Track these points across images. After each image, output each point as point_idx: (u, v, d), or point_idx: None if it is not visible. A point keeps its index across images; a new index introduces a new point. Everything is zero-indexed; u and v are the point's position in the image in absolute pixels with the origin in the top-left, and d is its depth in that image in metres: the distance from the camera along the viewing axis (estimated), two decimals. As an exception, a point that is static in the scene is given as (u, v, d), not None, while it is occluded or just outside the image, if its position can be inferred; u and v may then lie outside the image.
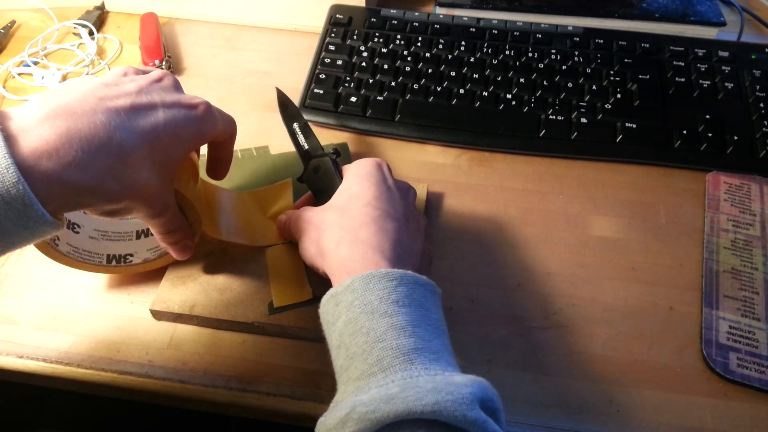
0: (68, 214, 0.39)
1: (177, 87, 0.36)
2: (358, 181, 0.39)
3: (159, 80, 0.35)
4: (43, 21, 0.65)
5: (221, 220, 0.43)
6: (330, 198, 0.40)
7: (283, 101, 0.50)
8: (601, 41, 0.59)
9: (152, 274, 0.44)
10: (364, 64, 0.57)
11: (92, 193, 0.30)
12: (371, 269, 0.33)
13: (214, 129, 0.37)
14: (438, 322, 0.33)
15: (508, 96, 0.54)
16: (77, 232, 0.40)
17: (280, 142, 0.53)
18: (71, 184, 0.29)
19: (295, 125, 0.48)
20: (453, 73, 0.56)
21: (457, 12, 0.63)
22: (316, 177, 0.44)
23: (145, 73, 0.36)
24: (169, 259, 0.42)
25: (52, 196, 0.28)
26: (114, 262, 0.42)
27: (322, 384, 0.39)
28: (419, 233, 0.39)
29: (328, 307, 0.34)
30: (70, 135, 0.29)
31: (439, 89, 0.55)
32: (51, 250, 0.38)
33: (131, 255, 0.43)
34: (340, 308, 0.33)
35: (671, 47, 0.58)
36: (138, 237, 0.43)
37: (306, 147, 0.46)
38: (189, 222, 0.39)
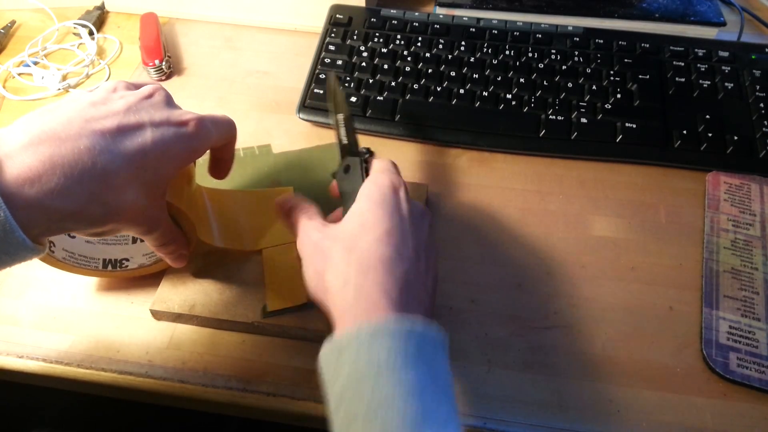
0: None
1: (168, 103, 0.36)
2: (370, 207, 0.36)
3: (149, 96, 0.35)
4: (43, 21, 0.65)
5: (217, 226, 0.42)
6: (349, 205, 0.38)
7: (333, 90, 0.46)
8: (601, 41, 0.59)
9: (152, 274, 0.44)
10: (364, 64, 0.57)
11: (75, 218, 0.30)
12: (378, 318, 0.31)
13: (207, 143, 0.36)
14: (445, 379, 0.31)
15: (508, 96, 0.54)
16: (73, 237, 0.40)
17: (280, 141, 0.53)
18: (53, 210, 0.29)
19: (340, 116, 0.45)
20: (453, 73, 0.56)
21: (457, 12, 0.63)
22: (346, 177, 0.42)
23: (137, 87, 0.36)
24: (164, 264, 0.42)
25: (35, 222, 0.28)
26: (110, 267, 0.42)
27: (321, 384, 0.39)
28: (431, 268, 0.36)
29: (330, 357, 0.31)
30: (53, 161, 0.29)
31: (439, 89, 0.55)
32: (47, 256, 0.38)
33: (127, 260, 0.43)
34: (343, 360, 0.30)
35: (671, 47, 0.58)
36: (134, 241, 0.43)
37: (345, 141, 0.44)
38: (184, 231, 0.39)
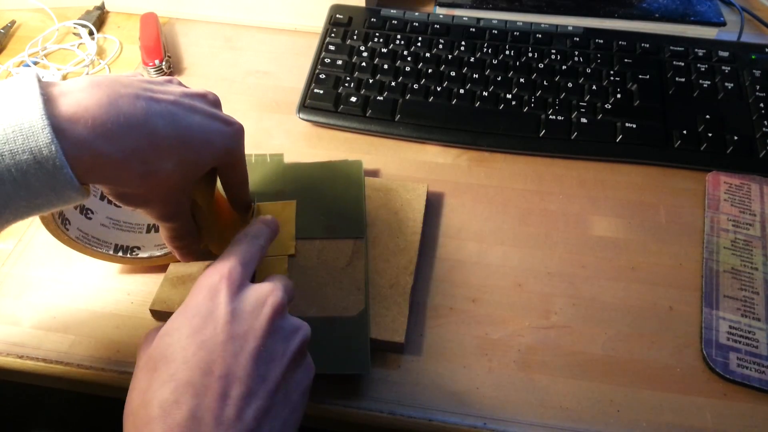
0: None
1: (218, 105, 0.37)
2: (180, 318, 0.30)
3: (203, 95, 0.36)
4: (43, 21, 0.65)
5: (217, 234, 0.42)
6: None
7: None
8: (601, 41, 0.59)
9: (153, 273, 0.44)
10: (364, 64, 0.57)
11: (117, 168, 0.30)
12: None
13: (239, 151, 0.38)
14: None
15: (508, 96, 0.54)
16: (90, 218, 0.41)
17: (279, 142, 0.53)
18: (99, 153, 0.29)
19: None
20: (453, 73, 0.56)
21: (457, 12, 0.63)
22: None
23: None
24: (173, 258, 0.42)
25: (80, 162, 0.29)
26: (120, 253, 0.43)
27: (320, 384, 0.39)
28: (289, 400, 0.30)
29: None
30: (109, 107, 0.29)
31: (439, 89, 0.55)
32: (60, 234, 0.39)
33: (138, 248, 0.43)
34: None
35: (671, 47, 0.58)
36: (148, 231, 0.44)
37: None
38: (198, 227, 0.39)
